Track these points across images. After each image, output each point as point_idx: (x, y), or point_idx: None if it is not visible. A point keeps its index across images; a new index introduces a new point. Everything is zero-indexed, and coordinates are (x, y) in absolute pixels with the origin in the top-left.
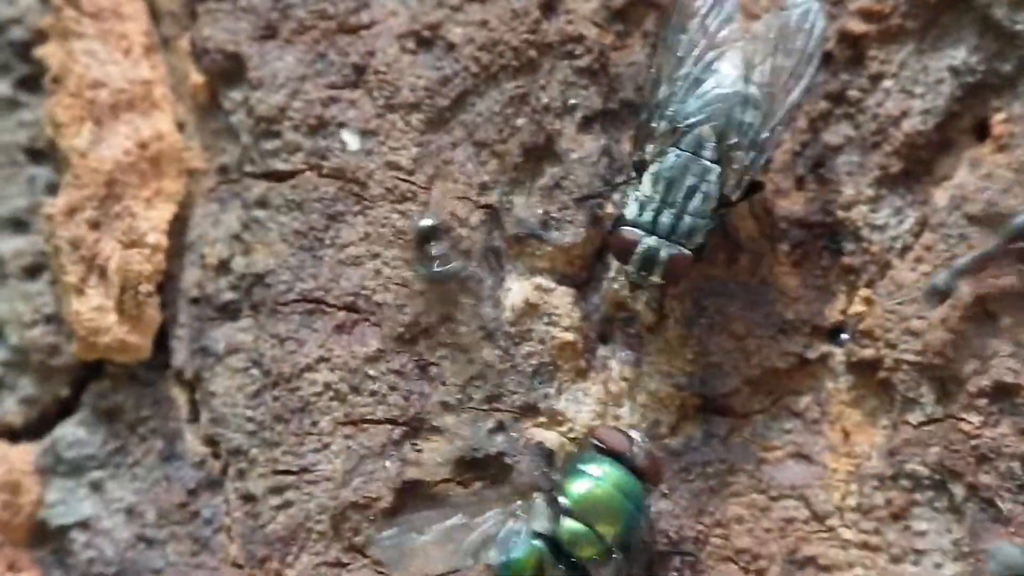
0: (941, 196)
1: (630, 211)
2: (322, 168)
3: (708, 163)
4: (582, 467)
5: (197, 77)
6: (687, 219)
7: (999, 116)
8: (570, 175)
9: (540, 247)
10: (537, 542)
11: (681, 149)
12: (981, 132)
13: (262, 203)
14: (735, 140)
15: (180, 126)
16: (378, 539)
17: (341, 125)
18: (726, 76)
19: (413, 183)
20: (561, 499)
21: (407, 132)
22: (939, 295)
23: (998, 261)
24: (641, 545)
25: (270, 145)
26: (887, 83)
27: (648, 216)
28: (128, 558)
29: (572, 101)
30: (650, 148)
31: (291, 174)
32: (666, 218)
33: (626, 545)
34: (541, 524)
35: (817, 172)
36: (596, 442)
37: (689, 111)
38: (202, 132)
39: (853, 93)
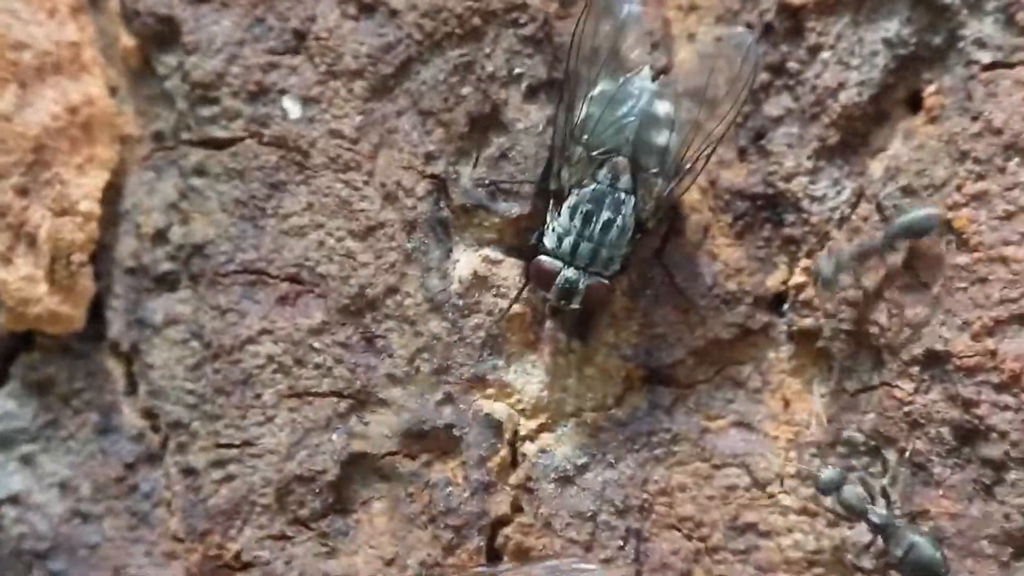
0: (876, 167)
1: (549, 241)
2: (263, 136)
3: (623, 195)
4: None
5: (128, 40)
6: (604, 251)
7: (930, 88)
8: (516, 145)
9: (487, 218)
10: None
11: (597, 181)
12: (914, 104)
13: (200, 171)
14: (651, 166)
15: (112, 91)
16: None
17: (282, 92)
18: (642, 99)
19: (357, 152)
20: None
21: (350, 100)
22: (827, 283)
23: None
24: None
25: (207, 112)
26: (825, 55)
27: (567, 247)
28: (62, 533)
29: (517, 70)
30: (565, 175)
31: (230, 142)
32: (584, 249)
33: None
34: None
35: (758, 144)
36: None
37: (604, 139)
38: (135, 97)
39: (792, 65)
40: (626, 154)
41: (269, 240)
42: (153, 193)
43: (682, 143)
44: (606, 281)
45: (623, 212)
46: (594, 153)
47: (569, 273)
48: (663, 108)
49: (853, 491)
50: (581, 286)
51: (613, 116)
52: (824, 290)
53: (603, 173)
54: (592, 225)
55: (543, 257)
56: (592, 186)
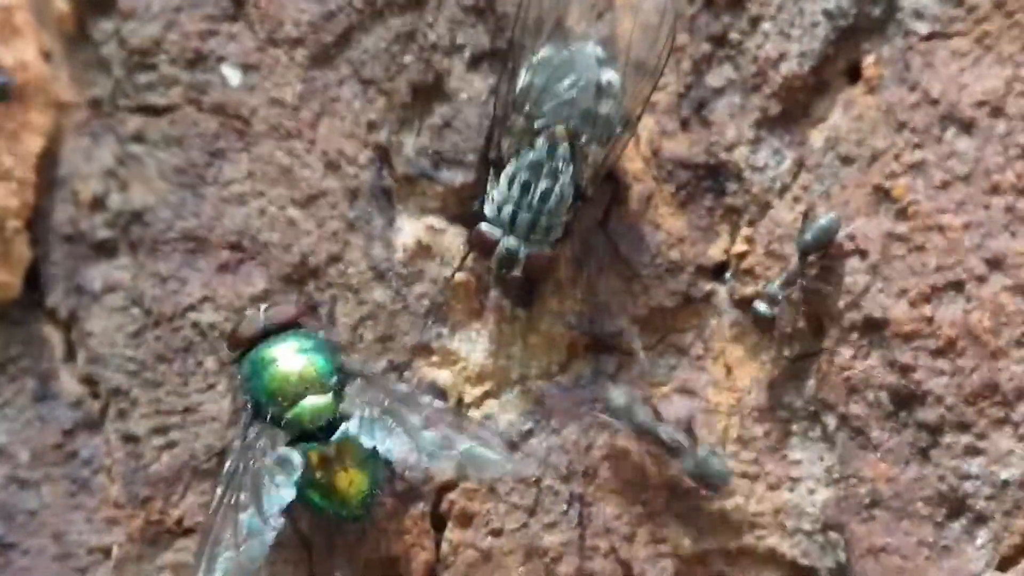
0: (817, 137)
1: (489, 209)
2: (202, 103)
3: (562, 164)
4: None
5: (62, 5)
6: (543, 220)
7: (869, 59)
8: (459, 114)
9: (431, 187)
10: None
11: (535, 150)
12: (854, 75)
13: (138, 138)
14: (590, 135)
15: (46, 56)
16: None
17: (221, 59)
18: (583, 66)
19: (298, 120)
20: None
21: (291, 68)
22: (764, 317)
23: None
24: None
25: (145, 79)
26: (766, 25)
27: (506, 216)
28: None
29: (460, 40)
30: (505, 144)
31: (169, 108)
32: (523, 218)
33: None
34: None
35: (700, 114)
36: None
37: (544, 110)
38: (71, 63)
39: (734, 36)
40: (568, 124)
41: (210, 208)
42: (90, 160)
43: (620, 107)
44: (547, 250)
45: (561, 181)
46: (536, 123)
47: (509, 242)
48: (607, 76)
49: (641, 409)
50: (521, 255)
51: (557, 87)
52: (761, 327)
53: (540, 142)
54: (530, 194)
55: (483, 225)
56: (530, 155)
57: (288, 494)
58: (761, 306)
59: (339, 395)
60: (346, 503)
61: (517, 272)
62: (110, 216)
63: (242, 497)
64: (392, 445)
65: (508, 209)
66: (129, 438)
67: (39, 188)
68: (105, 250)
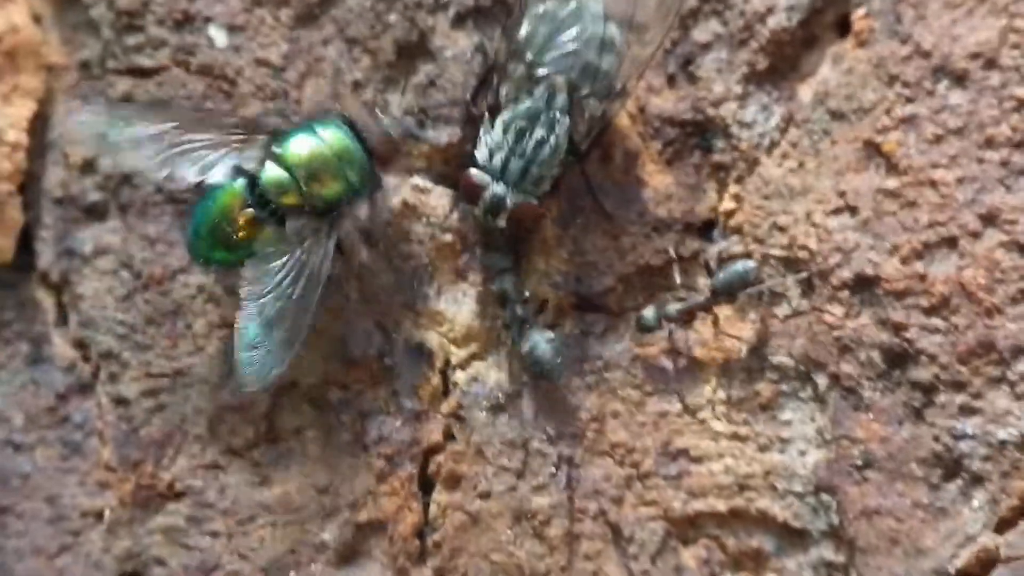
0: (805, 92)
1: (480, 155)
2: (189, 64)
3: (558, 114)
4: (314, 126)
5: None
6: (535, 169)
7: (859, 11)
8: (444, 73)
9: (416, 146)
10: (239, 179)
11: (533, 98)
12: (843, 28)
13: (127, 100)
14: (588, 89)
15: (36, 19)
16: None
17: (207, 20)
18: (587, 20)
19: (284, 80)
20: (275, 146)
21: (276, 28)
22: (646, 328)
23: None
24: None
25: (133, 40)
26: None
27: (497, 162)
28: None
29: None
30: (504, 91)
31: (156, 70)
32: (514, 166)
33: (332, 207)
34: (249, 163)
35: (687, 70)
36: (343, 113)
37: (546, 60)
38: (61, 26)
39: None
40: (569, 75)
41: None
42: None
43: (620, 62)
44: (535, 201)
45: (556, 131)
46: (537, 72)
47: (498, 189)
48: (611, 31)
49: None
50: (509, 203)
51: (561, 37)
52: (640, 333)
53: (539, 91)
54: (524, 142)
55: (473, 170)
56: (527, 103)
57: None
58: (649, 316)
59: None
60: None
61: (502, 222)
62: (100, 179)
63: None
64: None
65: (500, 156)
66: (120, 401)
67: (31, 152)
68: (96, 213)
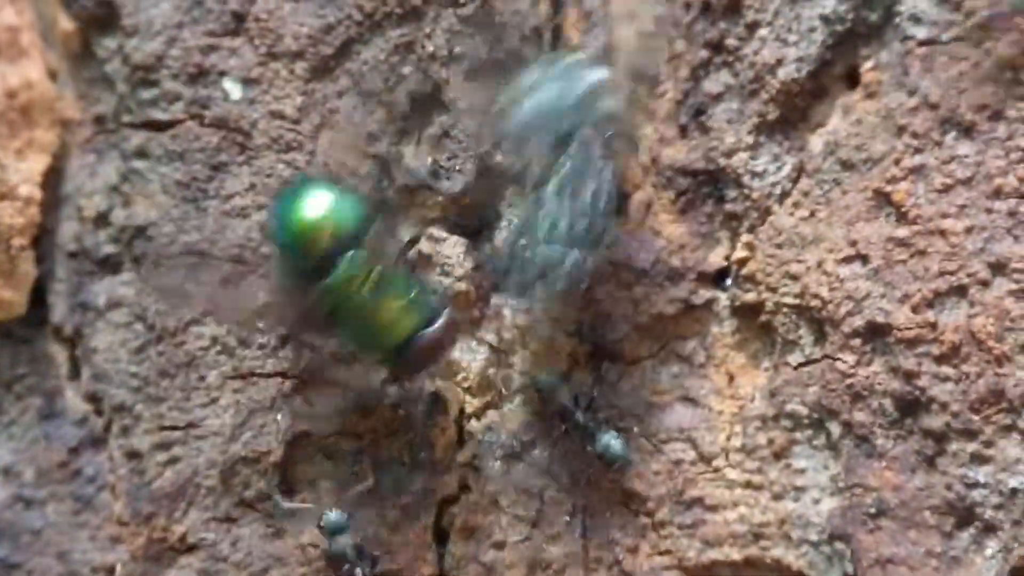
0: (816, 142)
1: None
2: (203, 117)
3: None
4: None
5: (67, 24)
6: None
7: (868, 64)
8: (458, 124)
9: (431, 197)
10: None
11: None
12: (852, 80)
13: (141, 153)
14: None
15: (52, 75)
16: None
17: (222, 74)
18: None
19: (299, 132)
20: None
21: (291, 81)
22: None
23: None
24: None
25: (148, 94)
26: (763, 31)
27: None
28: (5, 519)
29: (458, 50)
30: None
31: (171, 124)
32: (580, 225)
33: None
34: None
35: (699, 120)
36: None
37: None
38: (76, 81)
39: (731, 42)
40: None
41: (212, 221)
42: (95, 176)
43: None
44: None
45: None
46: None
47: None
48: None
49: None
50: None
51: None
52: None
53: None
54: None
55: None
56: (568, 163)
57: None
58: (542, 383)
59: None
60: None
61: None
62: (114, 232)
63: None
64: None
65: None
66: (132, 454)
67: (45, 206)
68: (109, 266)
